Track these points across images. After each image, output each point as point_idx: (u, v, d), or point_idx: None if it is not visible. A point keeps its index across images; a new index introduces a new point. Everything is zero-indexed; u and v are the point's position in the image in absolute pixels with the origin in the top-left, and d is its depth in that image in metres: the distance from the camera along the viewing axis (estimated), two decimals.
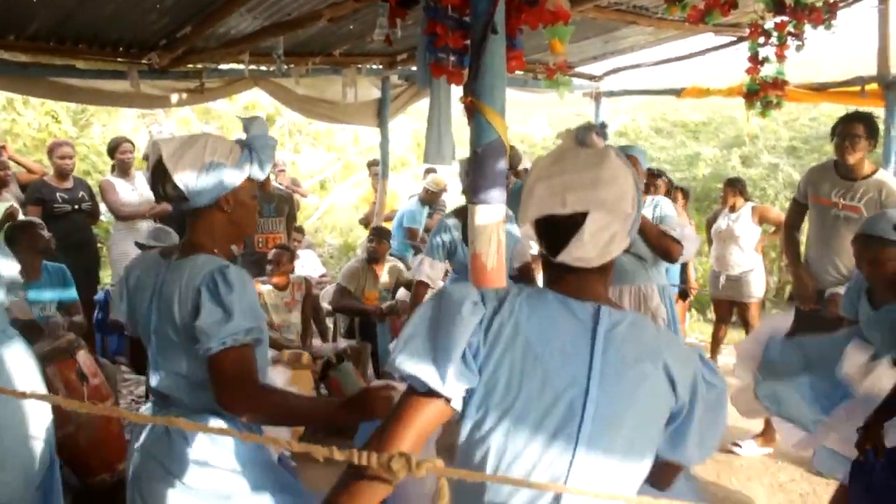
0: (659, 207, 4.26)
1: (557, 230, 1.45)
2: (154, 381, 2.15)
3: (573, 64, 8.25)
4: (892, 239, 3.07)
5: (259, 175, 2.18)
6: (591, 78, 8.87)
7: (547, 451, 1.40)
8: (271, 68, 6.36)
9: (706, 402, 1.48)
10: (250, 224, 2.25)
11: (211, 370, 1.96)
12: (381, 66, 7.19)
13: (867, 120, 4.26)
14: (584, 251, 1.43)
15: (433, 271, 4.56)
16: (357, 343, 6.13)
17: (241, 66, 6.17)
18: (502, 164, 3.00)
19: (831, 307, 3.96)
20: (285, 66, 5.76)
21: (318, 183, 14.61)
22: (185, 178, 2.06)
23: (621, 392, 1.41)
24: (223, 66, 6.38)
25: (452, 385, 1.39)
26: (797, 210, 4.67)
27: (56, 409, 3.87)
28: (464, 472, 1.07)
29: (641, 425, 1.43)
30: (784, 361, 3.54)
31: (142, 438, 2.13)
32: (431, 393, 1.40)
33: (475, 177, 3.05)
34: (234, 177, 2.12)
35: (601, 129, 1.53)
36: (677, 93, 8.16)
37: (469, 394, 1.44)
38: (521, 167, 7.00)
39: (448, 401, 1.42)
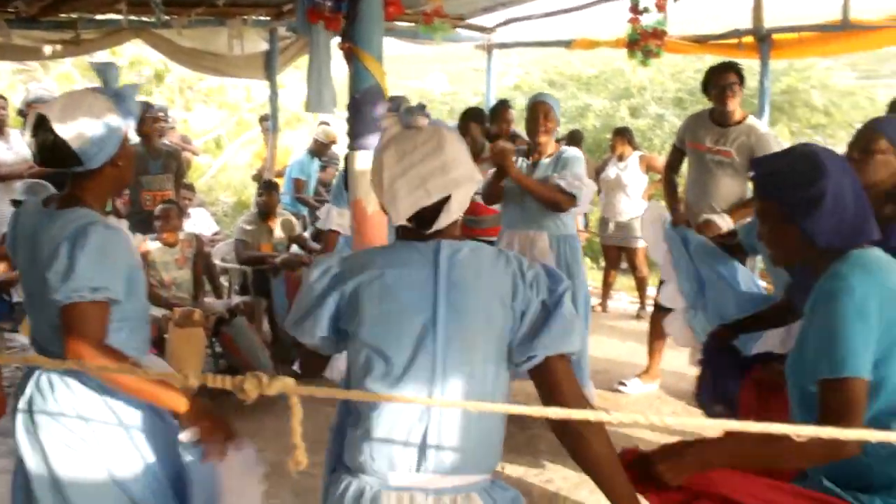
0: (562, 160, 4.37)
1: (426, 213, 1.68)
2: (32, 329, 2.19)
3: (463, 15, 8.26)
4: None
5: (132, 123, 2.17)
6: (483, 30, 8.89)
7: (412, 368, 1.64)
8: (152, 19, 6.14)
9: (553, 300, 1.68)
10: (128, 178, 2.27)
11: (60, 321, 2.00)
12: (268, 18, 7.03)
13: (738, 68, 4.49)
14: (448, 219, 1.70)
15: (342, 219, 4.57)
16: (251, 299, 6.09)
17: (119, 17, 5.93)
18: (381, 110, 3.02)
19: (706, 230, 4.11)
20: (165, 17, 5.57)
21: (212, 141, 14.25)
22: (82, 143, 2.03)
23: (467, 304, 1.66)
24: (100, 17, 6.10)
25: (325, 344, 1.75)
26: (676, 155, 4.91)
27: None
28: (312, 389, 1.12)
29: (489, 330, 1.67)
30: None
31: (24, 391, 2.14)
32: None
33: (353, 122, 3.07)
34: (121, 130, 2.11)
35: (421, 109, 1.70)
36: (567, 44, 8.28)
37: (343, 337, 1.73)
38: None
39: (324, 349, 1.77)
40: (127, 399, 2.12)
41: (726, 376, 2.84)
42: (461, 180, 1.67)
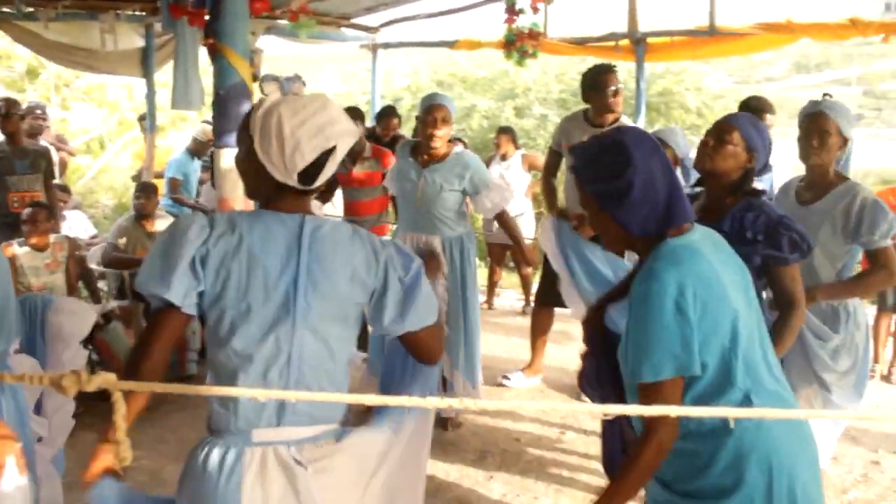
0: (468, 168, 4.33)
1: (316, 165, 1.78)
2: None
3: (348, 15, 8.25)
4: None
5: None
6: (368, 30, 8.90)
7: (274, 329, 1.75)
8: (12, 10, 5.85)
9: (410, 278, 1.85)
10: None
11: None
12: (143, 13, 6.82)
13: (615, 68, 4.63)
14: (329, 172, 1.82)
15: None
16: (128, 303, 5.90)
17: None
18: (246, 107, 2.98)
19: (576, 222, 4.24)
20: (28, 8, 5.32)
21: (91, 141, 13.72)
22: None
23: (326, 276, 1.79)
24: None
25: (178, 294, 1.72)
26: (553, 158, 4.98)
27: None
28: (132, 384, 1.12)
29: (342, 300, 1.81)
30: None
31: None
32: (168, 305, 1.73)
33: (219, 120, 3.02)
34: None
35: (298, 78, 1.88)
36: (451, 45, 8.38)
37: (203, 299, 1.77)
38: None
39: (180, 308, 1.74)
40: None
41: (604, 359, 2.95)
42: (345, 132, 1.81)
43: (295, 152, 1.75)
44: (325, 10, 7.79)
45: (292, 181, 1.78)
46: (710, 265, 1.82)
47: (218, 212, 3.11)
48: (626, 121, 4.67)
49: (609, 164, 1.84)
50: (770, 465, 1.77)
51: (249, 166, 1.82)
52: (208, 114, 9.17)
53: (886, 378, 5.89)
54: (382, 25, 8.90)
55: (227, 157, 3.00)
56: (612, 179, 1.82)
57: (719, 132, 2.66)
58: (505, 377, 5.46)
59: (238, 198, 2.97)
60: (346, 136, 1.83)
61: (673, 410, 1.53)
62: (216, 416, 1.79)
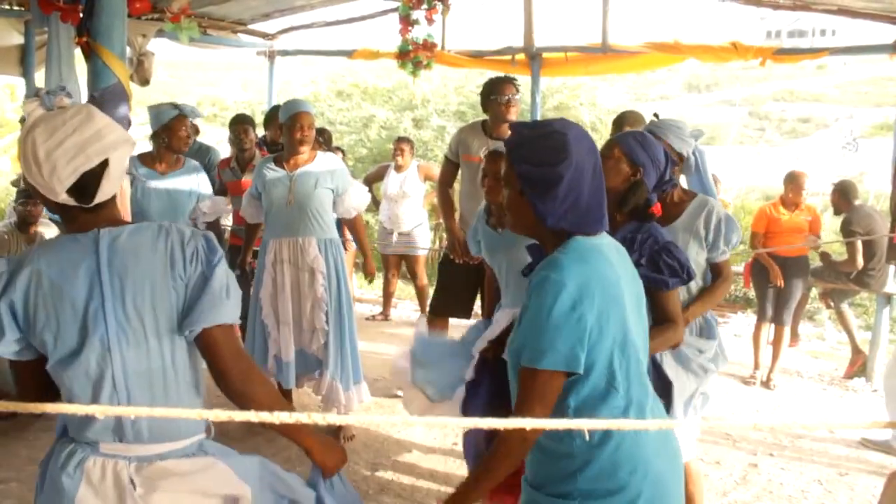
0: (334, 173, 4.44)
1: (88, 183, 1.71)
2: None
3: (244, 20, 8.09)
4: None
5: None
6: (265, 36, 8.74)
7: (92, 356, 1.72)
8: None
9: (209, 271, 1.79)
10: None
11: None
12: (21, 8, 6.47)
13: (516, 82, 4.67)
14: (111, 186, 1.76)
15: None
16: None
17: None
18: (123, 110, 2.87)
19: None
20: None
21: None
22: None
23: (132, 287, 1.74)
24: None
25: (10, 352, 1.75)
26: (449, 168, 4.97)
27: None
28: None
29: (157, 307, 1.76)
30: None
31: None
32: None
33: None
34: None
35: (62, 90, 1.81)
36: (349, 54, 8.32)
37: (30, 341, 1.76)
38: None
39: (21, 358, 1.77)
40: None
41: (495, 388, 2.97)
42: (117, 143, 1.74)
43: (52, 175, 1.69)
44: (220, 14, 7.61)
45: (70, 201, 1.73)
46: (613, 270, 1.83)
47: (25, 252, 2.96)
48: None
49: (546, 151, 1.81)
50: (645, 474, 1.78)
51: (32, 189, 1.77)
52: None
53: (765, 384, 6.14)
54: (280, 32, 8.75)
55: None
56: (544, 167, 1.80)
57: (604, 149, 2.72)
58: (400, 389, 5.42)
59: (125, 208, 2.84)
60: (119, 148, 1.75)
61: (543, 423, 1.53)
62: (71, 423, 1.80)
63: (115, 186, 1.77)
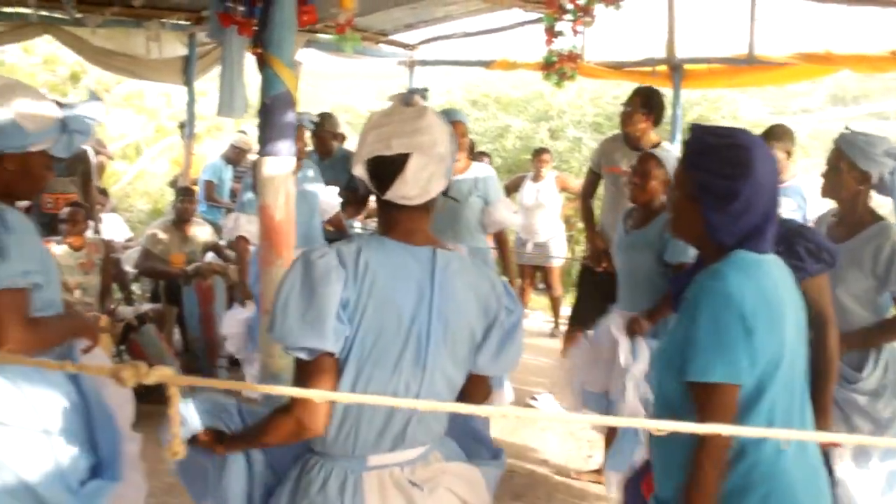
0: (484, 182, 4.55)
1: (385, 170, 1.74)
2: None
3: (386, 31, 8.32)
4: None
5: (62, 153, 2.15)
6: (406, 46, 8.97)
7: (405, 374, 1.75)
8: (63, 15, 5.99)
9: (506, 324, 1.84)
10: (28, 193, 2.21)
11: None
12: (187, 22, 6.93)
13: (644, 93, 4.56)
14: (407, 189, 1.73)
15: (251, 226, 4.56)
16: (162, 306, 5.97)
17: (28, 11, 5.76)
18: (290, 117, 3.03)
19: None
20: (77, 14, 5.44)
21: (129, 147, 13.90)
22: None
23: (453, 319, 1.78)
24: (8, 10, 5.89)
25: (336, 344, 1.69)
26: (591, 179, 4.97)
27: None
28: (192, 379, 1.13)
29: (465, 343, 1.81)
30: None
31: None
32: (320, 354, 1.69)
33: (264, 128, 3.06)
34: (28, 141, 2.07)
35: (423, 92, 1.89)
36: (487, 65, 8.42)
37: (356, 325, 1.73)
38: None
39: (332, 354, 1.70)
40: (46, 389, 2.08)
41: None
42: (425, 146, 1.73)
43: (359, 148, 1.79)
44: (364, 25, 7.86)
45: (366, 182, 1.81)
46: (776, 287, 1.78)
47: (260, 223, 3.17)
48: (667, 146, 4.65)
49: (728, 164, 1.77)
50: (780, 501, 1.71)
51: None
52: (245, 124, 9.32)
53: None
54: (420, 43, 8.97)
55: (270, 165, 3.03)
56: (723, 179, 1.76)
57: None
58: (533, 398, 5.45)
59: (279, 206, 3.01)
60: (424, 153, 1.74)
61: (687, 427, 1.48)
62: (330, 441, 1.78)
63: (409, 190, 1.74)
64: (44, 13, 5.89)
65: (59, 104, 2.25)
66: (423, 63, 9.09)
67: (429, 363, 1.76)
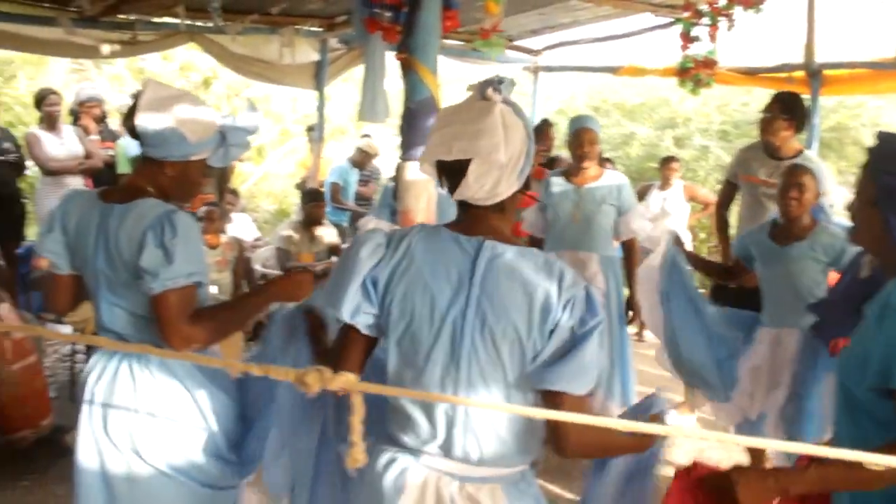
0: (619, 191, 4.46)
1: (451, 173, 1.69)
2: (104, 319, 2.18)
3: (511, 37, 8.28)
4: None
5: (219, 163, 2.23)
6: (530, 52, 8.91)
7: (439, 367, 1.65)
8: (207, 24, 6.23)
9: (571, 332, 1.62)
10: (186, 197, 2.30)
11: (153, 309, 2.05)
12: (320, 29, 7.11)
13: (785, 98, 4.34)
14: (472, 192, 1.67)
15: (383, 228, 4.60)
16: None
17: (176, 21, 6.04)
18: (433, 121, 3.02)
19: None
20: (221, 22, 5.65)
21: (255, 149, 14.37)
22: (144, 124, 2.09)
23: (493, 314, 1.63)
24: (157, 20, 6.21)
25: (349, 314, 1.69)
26: (728, 190, 4.78)
27: None
28: (375, 387, 1.12)
29: (509, 344, 1.63)
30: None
31: (92, 385, 2.18)
32: (345, 325, 1.72)
33: (406, 133, 3.07)
34: (189, 150, 2.15)
35: (500, 84, 1.71)
36: (614, 70, 8.25)
37: (380, 319, 1.71)
38: None
39: (354, 328, 1.71)
40: (207, 386, 2.18)
41: None
42: (483, 153, 1.63)
43: (425, 150, 1.75)
44: (486, 21, 7.85)
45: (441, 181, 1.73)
46: None
47: (400, 227, 3.17)
48: (809, 154, 4.42)
49: None
50: None
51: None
52: (366, 128, 9.47)
53: None
54: (546, 48, 8.90)
55: (412, 170, 3.04)
56: None
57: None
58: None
59: (420, 210, 3.01)
60: (483, 158, 1.67)
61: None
62: (392, 425, 1.76)
63: (474, 193, 1.67)
64: (189, 22, 6.13)
65: (219, 115, 2.32)
66: (548, 69, 8.99)
67: (463, 358, 1.64)
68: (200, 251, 2.14)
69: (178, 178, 2.18)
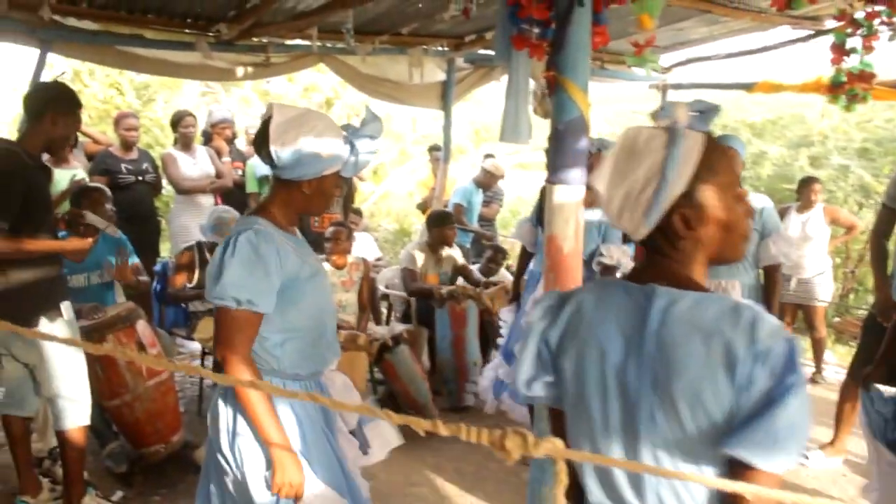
0: (761, 214, 4.27)
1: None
2: None
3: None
4: None
5: (350, 172, 2.30)
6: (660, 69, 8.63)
7: (612, 433, 1.47)
8: (338, 45, 6.29)
9: (778, 392, 1.32)
10: (320, 210, 2.38)
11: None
12: (447, 49, 7.07)
13: None
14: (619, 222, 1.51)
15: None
16: (414, 327, 6.05)
17: (307, 42, 6.12)
18: (584, 143, 2.86)
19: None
20: (353, 43, 5.68)
21: (374, 168, 14.58)
22: (278, 151, 2.16)
23: (671, 371, 1.40)
24: (289, 42, 6.32)
25: (524, 386, 1.61)
26: (886, 216, 4.36)
27: (110, 379, 3.89)
28: (581, 455, 0.99)
29: (695, 406, 1.37)
30: None
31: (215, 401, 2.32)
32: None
33: (554, 155, 2.92)
34: (324, 166, 2.21)
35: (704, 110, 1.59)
36: (748, 87, 7.89)
37: (556, 386, 1.59)
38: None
39: (538, 398, 1.61)
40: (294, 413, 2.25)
41: None
42: (673, 178, 1.43)
43: (620, 213, 1.56)
44: (618, 48, 7.65)
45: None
46: None
47: (546, 255, 3.02)
48: None
49: None
50: None
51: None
52: (489, 148, 9.37)
53: None
54: (675, 65, 8.60)
55: (560, 193, 2.88)
56: None
57: None
58: (803, 455, 4.92)
59: (567, 236, 2.84)
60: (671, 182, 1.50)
61: None
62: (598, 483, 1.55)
63: (627, 225, 1.51)
64: (319, 44, 6.21)
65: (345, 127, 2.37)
66: (678, 86, 8.68)
67: (641, 423, 1.42)
68: (265, 278, 2.14)
69: (315, 195, 2.26)
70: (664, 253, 1.50)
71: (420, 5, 5.64)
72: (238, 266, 2.09)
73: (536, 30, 2.98)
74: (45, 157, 3.46)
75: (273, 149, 2.15)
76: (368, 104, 10.66)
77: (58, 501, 3.82)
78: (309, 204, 2.28)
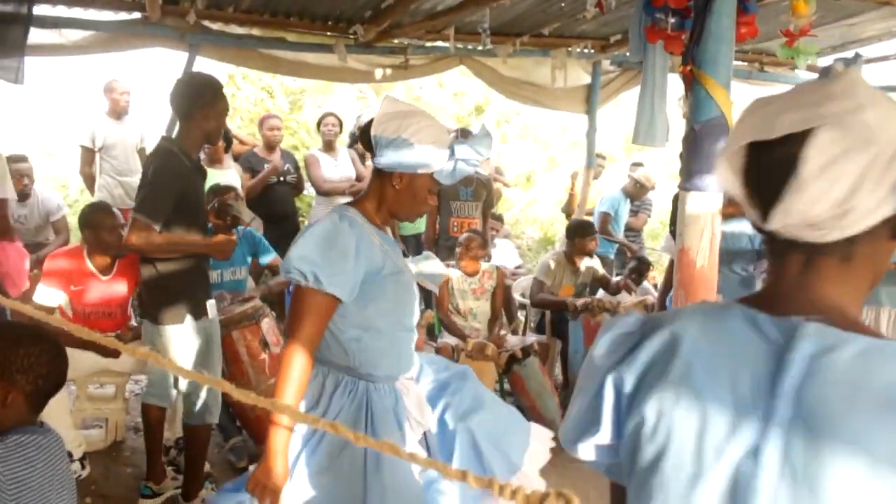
0: None
1: (765, 174, 0.97)
2: None
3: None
4: None
5: (445, 180, 2.24)
6: (819, 71, 7.95)
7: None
8: (477, 47, 6.16)
9: None
10: (410, 213, 2.32)
11: None
12: (592, 50, 6.78)
13: None
14: (805, 199, 0.93)
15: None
16: (546, 339, 5.82)
17: (446, 45, 6.03)
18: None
19: None
20: (490, 43, 5.52)
21: (523, 175, 14.40)
22: (377, 132, 2.18)
23: (822, 453, 0.88)
24: (428, 44, 6.25)
25: (575, 442, 1.15)
26: None
27: (234, 375, 3.93)
28: None
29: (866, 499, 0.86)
30: None
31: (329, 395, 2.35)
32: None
33: (689, 158, 2.63)
34: (416, 163, 2.18)
35: (848, 60, 1.21)
36: None
37: (616, 447, 1.11)
38: None
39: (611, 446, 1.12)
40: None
41: None
42: (842, 118, 0.91)
43: (726, 142, 1.08)
44: (768, 48, 7.14)
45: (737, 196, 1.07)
46: None
47: (678, 268, 2.72)
48: None
49: None
50: None
51: None
52: (640, 156, 8.96)
53: None
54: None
55: (694, 202, 2.58)
56: None
57: None
58: None
59: (700, 248, 2.54)
60: (848, 122, 0.91)
61: None
62: None
63: (815, 206, 0.94)
64: (459, 45, 6.10)
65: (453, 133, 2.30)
66: None
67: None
68: (343, 261, 2.10)
69: (404, 192, 2.24)
70: (827, 261, 0.99)
71: (563, 5, 5.41)
72: (311, 242, 2.08)
73: (672, 20, 2.70)
74: (202, 156, 3.56)
75: (373, 134, 2.18)
76: (519, 112, 10.51)
77: (178, 491, 3.90)
78: (399, 202, 2.26)
